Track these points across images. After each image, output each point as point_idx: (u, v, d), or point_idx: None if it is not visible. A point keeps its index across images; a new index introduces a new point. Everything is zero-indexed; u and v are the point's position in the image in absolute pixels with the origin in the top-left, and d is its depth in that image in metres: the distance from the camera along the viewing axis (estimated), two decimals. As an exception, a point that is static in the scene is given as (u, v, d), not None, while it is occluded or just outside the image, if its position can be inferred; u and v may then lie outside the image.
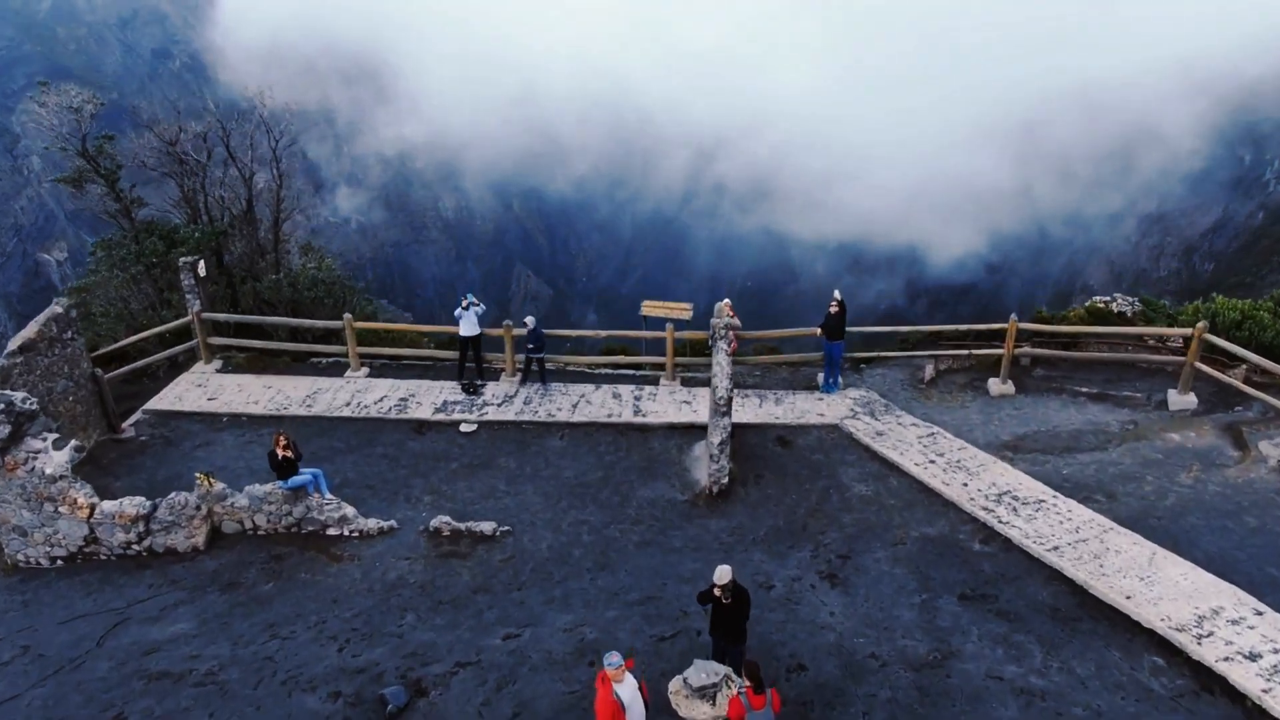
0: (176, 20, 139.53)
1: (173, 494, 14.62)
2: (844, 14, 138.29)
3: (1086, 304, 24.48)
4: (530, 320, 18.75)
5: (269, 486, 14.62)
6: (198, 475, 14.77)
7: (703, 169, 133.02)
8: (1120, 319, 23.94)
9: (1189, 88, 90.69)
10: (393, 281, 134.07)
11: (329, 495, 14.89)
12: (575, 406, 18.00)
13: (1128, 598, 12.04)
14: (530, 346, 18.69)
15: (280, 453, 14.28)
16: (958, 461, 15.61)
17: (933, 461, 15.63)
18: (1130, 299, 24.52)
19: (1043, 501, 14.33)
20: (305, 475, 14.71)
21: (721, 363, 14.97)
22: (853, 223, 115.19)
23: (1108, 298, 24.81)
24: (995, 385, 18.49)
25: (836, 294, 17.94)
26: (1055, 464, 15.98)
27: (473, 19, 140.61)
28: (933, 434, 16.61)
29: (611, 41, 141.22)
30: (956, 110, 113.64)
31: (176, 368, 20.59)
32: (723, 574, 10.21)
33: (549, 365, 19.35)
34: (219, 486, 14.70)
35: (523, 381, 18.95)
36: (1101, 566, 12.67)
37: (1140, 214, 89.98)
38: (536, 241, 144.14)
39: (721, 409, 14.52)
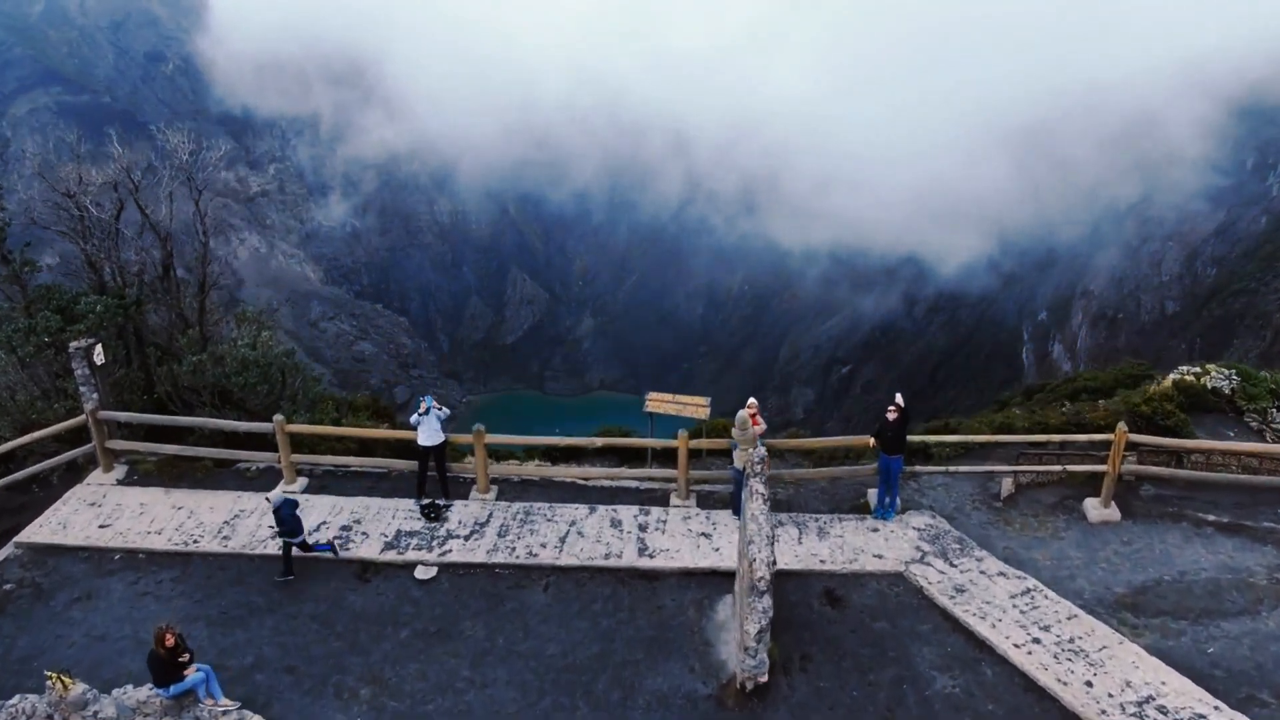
0: (169, 24, 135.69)
1: (15, 699, 10.78)
2: (840, 15, 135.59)
3: (1174, 376, 20.61)
4: (274, 495, 13.43)
5: (145, 692, 10.79)
6: (48, 674, 10.90)
7: (699, 174, 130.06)
8: (1215, 395, 20.12)
9: (1192, 90, 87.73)
10: (387, 286, 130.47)
11: (224, 700, 11.04)
12: (564, 540, 14.12)
13: None
14: (279, 530, 13.41)
15: (163, 652, 10.52)
16: (1070, 640, 11.75)
17: (1037, 640, 11.77)
18: (1225, 371, 20.65)
19: (1203, 717, 10.48)
20: (196, 675, 10.89)
21: (760, 520, 11.08)
22: (849, 227, 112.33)
23: (1197, 369, 20.93)
24: (1094, 509, 14.61)
25: (898, 398, 14.04)
26: (1194, 635, 12.13)
27: (468, 24, 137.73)
28: (1029, 591, 12.73)
29: (606, 47, 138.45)
30: (954, 114, 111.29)
31: (77, 471, 16.75)
32: None
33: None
34: (77, 690, 10.81)
35: (284, 573, 13.38)
36: None
37: (1142, 218, 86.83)
38: (532, 246, 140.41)
39: (760, 588, 10.64)
